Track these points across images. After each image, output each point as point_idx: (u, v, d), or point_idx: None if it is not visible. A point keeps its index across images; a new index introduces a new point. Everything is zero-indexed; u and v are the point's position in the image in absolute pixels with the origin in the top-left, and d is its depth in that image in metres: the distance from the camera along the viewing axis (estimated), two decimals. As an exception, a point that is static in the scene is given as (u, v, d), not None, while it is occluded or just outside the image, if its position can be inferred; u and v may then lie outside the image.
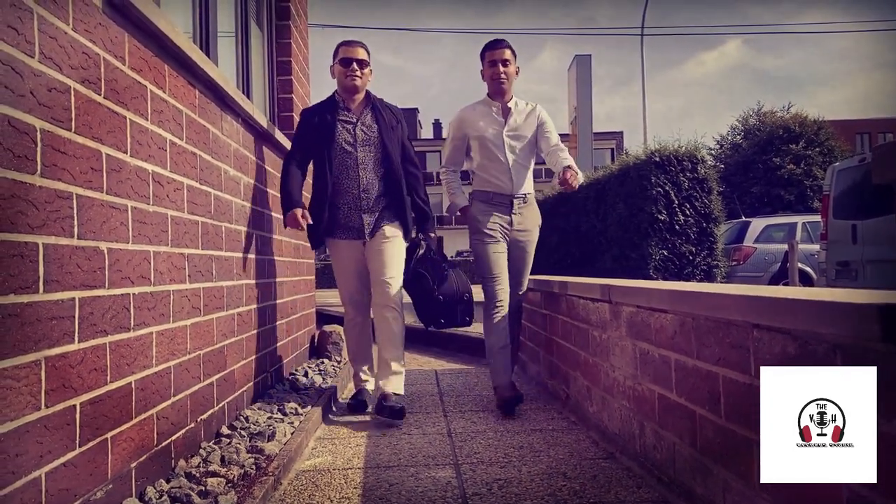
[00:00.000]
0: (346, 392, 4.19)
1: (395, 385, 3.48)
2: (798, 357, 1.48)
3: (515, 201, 3.73)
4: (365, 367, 3.84)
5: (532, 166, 3.85)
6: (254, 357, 3.43)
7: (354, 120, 3.57)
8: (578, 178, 3.59)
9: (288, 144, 4.00)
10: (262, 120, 3.60)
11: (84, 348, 1.71)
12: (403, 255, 3.61)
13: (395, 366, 3.50)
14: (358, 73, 3.55)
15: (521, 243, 3.78)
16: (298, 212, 3.40)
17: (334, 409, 3.76)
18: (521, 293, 3.90)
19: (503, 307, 3.63)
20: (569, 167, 3.56)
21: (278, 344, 4.01)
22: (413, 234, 3.76)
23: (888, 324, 1.18)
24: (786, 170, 21.43)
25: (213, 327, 2.76)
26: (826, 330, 1.35)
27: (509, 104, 3.79)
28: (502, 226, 3.70)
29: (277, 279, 3.99)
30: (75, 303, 1.67)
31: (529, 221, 3.80)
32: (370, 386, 3.77)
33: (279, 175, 4.10)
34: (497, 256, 3.66)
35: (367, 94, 3.67)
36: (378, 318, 3.52)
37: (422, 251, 3.73)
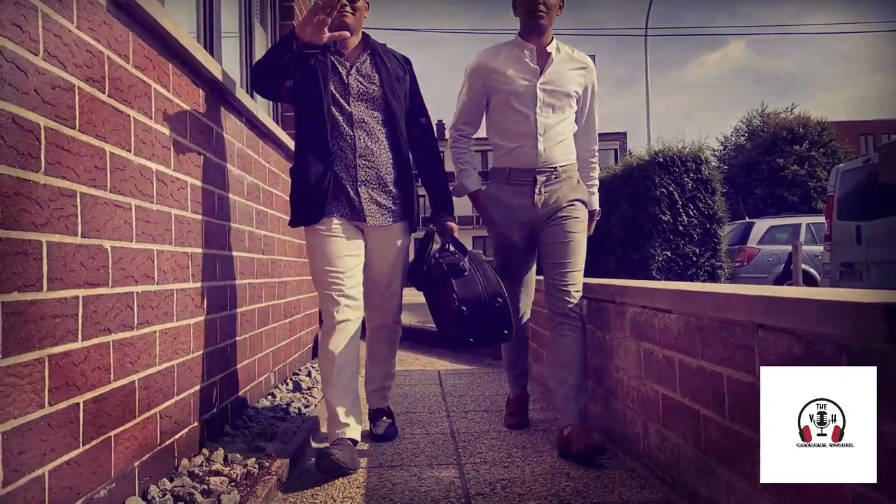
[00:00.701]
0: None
1: (384, 398, 3.10)
2: (803, 357, 1.47)
3: (540, 178, 2.85)
4: (349, 405, 2.67)
5: (571, 133, 2.96)
6: (257, 356, 3.43)
7: (348, 66, 2.76)
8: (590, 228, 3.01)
9: (292, 144, 3.99)
10: (266, 119, 3.61)
11: (87, 346, 1.71)
12: (407, 256, 2.91)
13: (384, 377, 3.04)
14: (348, 7, 2.71)
15: (555, 222, 2.84)
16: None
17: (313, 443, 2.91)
18: (572, 300, 2.79)
19: (522, 315, 3.10)
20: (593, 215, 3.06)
21: (282, 344, 4.01)
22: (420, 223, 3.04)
23: (894, 324, 1.17)
24: (789, 171, 21.39)
25: (216, 326, 2.76)
26: (831, 330, 1.35)
27: (549, 48, 2.88)
28: (522, 210, 2.88)
29: (281, 279, 3.99)
30: (79, 301, 1.67)
31: (562, 198, 2.87)
32: (354, 433, 2.65)
33: (283, 175, 4.11)
34: (514, 251, 2.98)
35: (365, 36, 2.86)
36: (372, 335, 2.98)
37: (436, 246, 2.90)
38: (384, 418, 3.06)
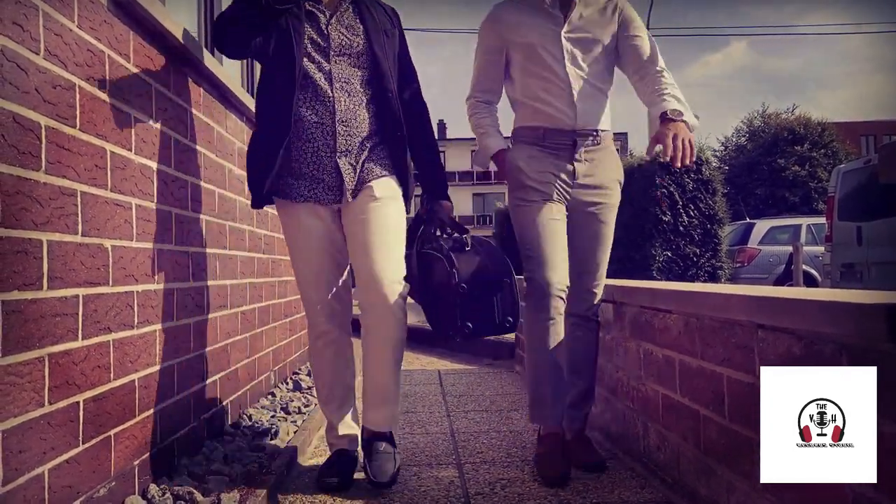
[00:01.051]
0: (314, 444, 2.85)
1: (385, 417, 2.36)
2: (803, 357, 1.47)
3: (580, 140, 2.46)
4: (346, 416, 2.44)
5: (609, 90, 2.56)
6: (257, 356, 3.43)
7: (328, 15, 2.31)
8: (689, 149, 2.21)
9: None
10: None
11: (87, 345, 1.72)
12: (404, 227, 2.36)
13: (387, 392, 2.34)
14: None
15: (590, 208, 2.50)
16: None
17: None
18: (594, 302, 2.59)
19: (558, 305, 2.41)
20: (670, 119, 2.25)
21: (282, 343, 4.01)
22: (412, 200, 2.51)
23: (895, 323, 1.17)
24: (790, 171, 21.41)
25: (216, 326, 2.76)
26: (832, 330, 1.35)
27: None
28: (559, 179, 2.46)
29: (281, 278, 3.99)
30: (79, 300, 1.67)
31: (604, 173, 2.51)
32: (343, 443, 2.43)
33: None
34: (551, 226, 2.43)
35: None
36: (369, 326, 2.28)
37: (430, 228, 2.45)
38: (384, 447, 2.32)
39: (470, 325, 2.28)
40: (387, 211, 2.28)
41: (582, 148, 2.46)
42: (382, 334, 2.28)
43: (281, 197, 2.31)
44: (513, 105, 2.61)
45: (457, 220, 2.49)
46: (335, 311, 2.40)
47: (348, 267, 2.41)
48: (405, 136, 2.37)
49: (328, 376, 2.44)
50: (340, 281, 2.40)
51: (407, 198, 2.40)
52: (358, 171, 2.28)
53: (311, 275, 2.36)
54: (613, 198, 2.54)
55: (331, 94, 2.24)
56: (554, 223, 2.44)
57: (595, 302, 2.58)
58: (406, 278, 2.31)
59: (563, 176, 2.46)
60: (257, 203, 2.33)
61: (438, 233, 2.43)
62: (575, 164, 2.46)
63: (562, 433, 2.47)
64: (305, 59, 2.23)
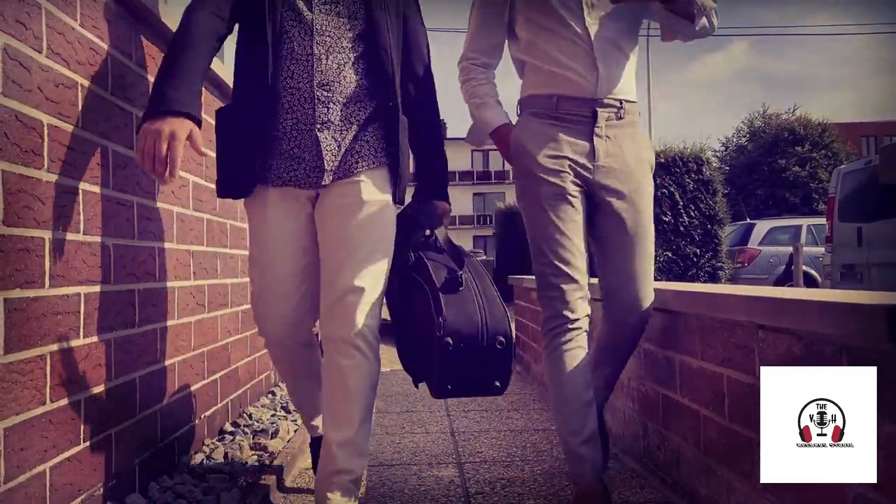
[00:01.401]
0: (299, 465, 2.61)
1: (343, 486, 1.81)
2: (803, 358, 1.48)
3: (602, 113, 1.99)
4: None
5: (633, 52, 2.09)
6: (257, 355, 3.44)
7: None
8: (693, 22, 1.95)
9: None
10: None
11: (89, 344, 1.72)
12: (391, 236, 1.91)
13: (350, 453, 1.81)
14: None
15: (617, 197, 2.01)
16: (176, 126, 1.61)
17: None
18: (642, 310, 2.04)
19: (580, 323, 1.97)
20: None
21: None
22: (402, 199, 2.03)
23: (895, 324, 1.17)
24: (791, 172, 21.41)
25: (217, 324, 2.77)
26: (832, 331, 1.35)
27: None
28: (577, 164, 1.98)
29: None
30: (80, 298, 1.68)
31: (631, 153, 2.03)
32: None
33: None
34: (568, 219, 1.97)
35: None
36: (329, 360, 1.85)
37: (421, 239, 1.99)
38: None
39: (449, 387, 1.82)
40: (370, 210, 1.86)
41: (604, 122, 2.00)
42: (342, 373, 1.81)
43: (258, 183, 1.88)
44: (519, 70, 2.16)
45: (449, 240, 2.03)
46: (297, 325, 1.98)
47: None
48: (398, 108, 1.93)
49: (304, 381, 2.14)
50: (306, 292, 1.96)
51: (398, 190, 1.96)
52: (342, 150, 1.86)
53: (276, 279, 1.91)
54: (644, 183, 2.06)
55: (309, 50, 1.82)
56: (571, 214, 1.97)
57: (644, 310, 2.05)
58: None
59: (581, 158, 1.98)
60: (237, 190, 1.90)
61: (430, 237, 2.01)
62: (595, 141, 1.99)
63: (601, 489, 1.95)
64: (283, 10, 1.82)
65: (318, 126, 1.83)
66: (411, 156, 2.08)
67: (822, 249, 8.94)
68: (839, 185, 7.82)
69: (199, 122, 1.67)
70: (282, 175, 1.86)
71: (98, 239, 1.77)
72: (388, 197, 1.93)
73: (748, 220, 12.79)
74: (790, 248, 9.76)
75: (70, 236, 1.63)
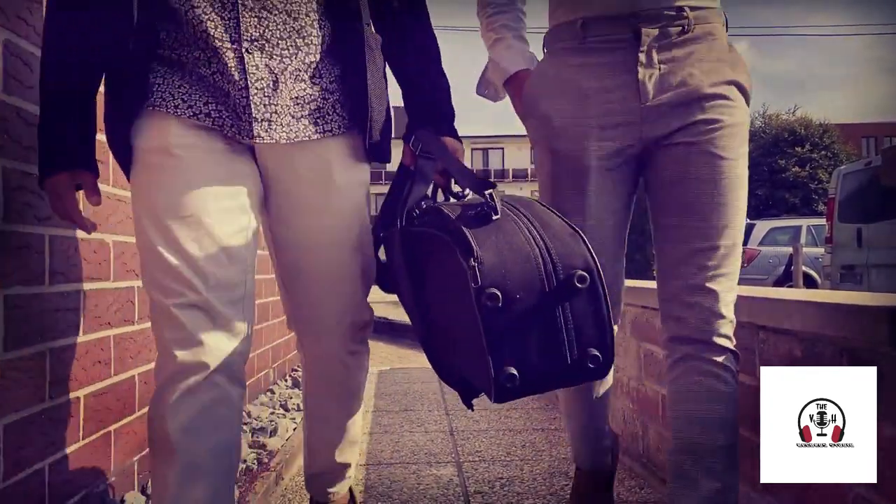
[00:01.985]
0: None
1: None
2: (803, 359, 1.47)
3: (649, 33, 1.38)
4: None
5: None
6: (256, 353, 3.43)
7: None
8: None
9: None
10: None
11: (88, 341, 1.72)
12: (366, 203, 1.45)
13: (332, 460, 1.64)
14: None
15: (686, 132, 1.39)
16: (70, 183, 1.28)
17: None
18: (718, 311, 1.41)
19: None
20: None
21: (281, 340, 4.01)
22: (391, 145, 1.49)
23: (896, 326, 1.17)
24: (791, 172, 21.42)
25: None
26: (833, 332, 1.35)
27: None
28: (616, 107, 1.42)
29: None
30: (80, 295, 1.67)
31: (706, 74, 1.39)
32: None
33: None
34: (593, 204, 1.48)
35: None
36: (309, 376, 1.67)
37: (425, 189, 1.42)
38: None
39: (514, 370, 1.09)
40: (335, 184, 1.36)
41: (646, 46, 1.39)
42: (325, 372, 1.57)
43: (149, 108, 1.24)
44: None
45: (475, 172, 1.41)
46: (210, 331, 1.24)
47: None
48: (361, 31, 1.34)
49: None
50: (226, 274, 1.25)
51: (374, 155, 1.40)
52: (289, 93, 1.28)
53: (172, 247, 1.21)
54: (733, 113, 1.40)
55: None
56: (598, 211, 1.50)
57: (720, 311, 1.42)
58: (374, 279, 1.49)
59: (621, 99, 1.41)
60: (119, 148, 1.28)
61: (440, 195, 1.47)
62: (640, 72, 1.39)
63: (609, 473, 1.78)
64: None
65: (245, 42, 1.23)
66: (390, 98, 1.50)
67: (821, 250, 8.94)
68: (839, 186, 7.82)
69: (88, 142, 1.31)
70: (199, 107, 1.26)
71: (98, 236, 1.76)
72: (359, 172, 1.41)
73: (748, 221, 12.78)
74: (790, 249, 9.77)
75: (70, 233, 1.63)
